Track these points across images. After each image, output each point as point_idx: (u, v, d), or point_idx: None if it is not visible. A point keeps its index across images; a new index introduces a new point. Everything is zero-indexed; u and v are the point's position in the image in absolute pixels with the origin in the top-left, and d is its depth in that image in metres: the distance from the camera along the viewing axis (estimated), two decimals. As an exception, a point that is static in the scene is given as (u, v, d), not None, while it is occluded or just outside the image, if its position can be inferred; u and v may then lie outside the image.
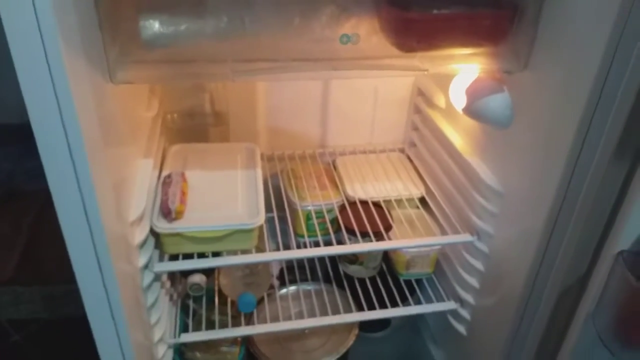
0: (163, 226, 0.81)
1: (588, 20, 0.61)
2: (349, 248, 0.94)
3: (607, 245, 0.68)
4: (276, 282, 1.15)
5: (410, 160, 1.18)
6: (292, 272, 1.17)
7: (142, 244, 0.79)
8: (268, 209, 0.91)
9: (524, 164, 0.77)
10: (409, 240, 0.96)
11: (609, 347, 0.66)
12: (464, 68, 0.78)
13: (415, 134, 1.17)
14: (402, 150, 1.21)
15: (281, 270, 1.20)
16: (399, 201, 1.07)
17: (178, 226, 0.82)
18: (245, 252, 0.87)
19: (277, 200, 1.04)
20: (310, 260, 1.16)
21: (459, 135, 0.98)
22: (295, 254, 0.93)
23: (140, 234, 0.77)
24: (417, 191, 1.09)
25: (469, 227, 0.93)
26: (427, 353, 1.18)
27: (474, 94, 0.83)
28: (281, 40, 0.69)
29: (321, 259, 1.16)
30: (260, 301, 1.03)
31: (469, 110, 0.85)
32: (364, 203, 1.04)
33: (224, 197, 0.89)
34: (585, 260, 0.72)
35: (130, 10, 0.66)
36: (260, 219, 0.84)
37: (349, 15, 0.68)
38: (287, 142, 1.15)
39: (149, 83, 0.93)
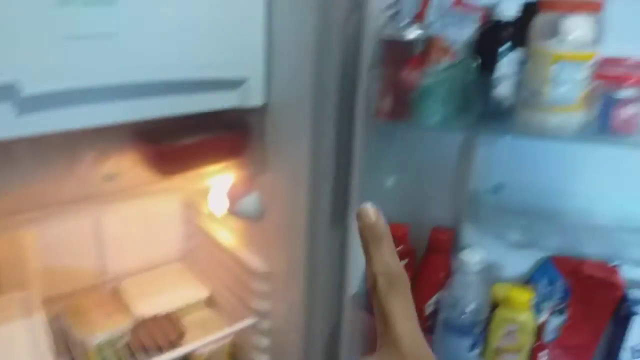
0: None
1: (291, 136, 0.84)
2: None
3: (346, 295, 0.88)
4: None
5: (189, 270, 1.28)
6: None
7: None
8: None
9: (279, 246, 0.95)
10: (196, 343, 1.01)
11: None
12: (220, 179, 0.95)
13: (191, 243, 1.28)
14: (181, 260, 1.31)
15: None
16: (189, 307, 1.15)
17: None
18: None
19: (66, 343, 1.02)
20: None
21: (229, 233, 1.13)
22: None
23: None
24: (201, 294, 1.18)
25: (251, 311, 1.06)
26: None
27: (231, 197, 1.00)
28: (47, 187, 0.76)
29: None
30: None
31: (230, 211, 1.01)
32: (153, 319, 1.08)
33: (5, 352, 0.85)
34: (335, 310, 0.90)
35: None
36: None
37: (109, 156, 0.79)
38: (66, 279, 1.14)
39: None
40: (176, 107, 0.77)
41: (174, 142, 0.85)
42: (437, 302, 0.78)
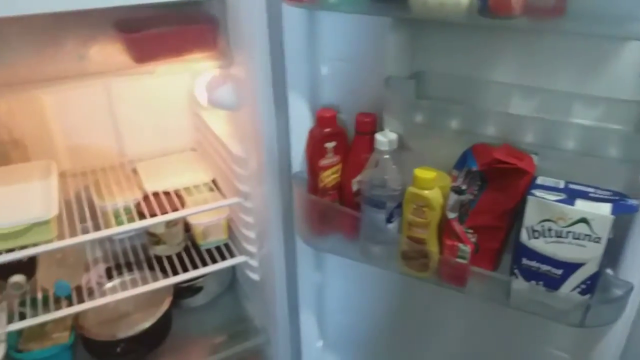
0: (-31, 229, 0.97)
1: (248, 32, 0.90)
2: (137, 224, 1.15)
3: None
4: (104, 278, 1.33)
5: (201, 157, 1.43)
6: (117, 268, 1.35)
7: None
8: (82, 219, 1.12)
9: (251, 136, 1.05)
10: (184, 211, 1.18)
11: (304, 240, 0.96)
12: (193, 69, 1.05)
13: (199, 134, 1.42)
14: (193, 149, 1.46)
15: (108, 269, 1.38)
16: (194, 188, 1.31)
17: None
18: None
19: (91, 209, 1.22)
20: (126, 255, 1.36)
21: (219, 123, 1.24)
22: (84, 238, 1.11)
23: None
24: (205, 179, 1.33)
25: (237, 192, 1.19)
26: (243, 312, 1.42)
27: (209, 89, 1.10)
28: (33, 65, 0.91)
29: (135, 254, 1.36)
30: (91, 294, 1.20)
31: (210, 102, 1.12)
32: (162, 193, 1.25)
33: (22, 203, 1.06)
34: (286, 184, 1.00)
35: None
36: (54, 211, 1.02)
37: (92, 43, 0.93)
38: (90, 157, 1.34)
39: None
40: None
41: (145, 31, 0.95)
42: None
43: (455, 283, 0.83)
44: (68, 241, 1.08)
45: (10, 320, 1.09)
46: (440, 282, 0.84)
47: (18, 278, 1.13)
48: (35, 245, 1.03)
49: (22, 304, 1.16)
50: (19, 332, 1.18)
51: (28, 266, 1.15)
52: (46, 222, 1.02)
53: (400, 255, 0.86)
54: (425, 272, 0.84)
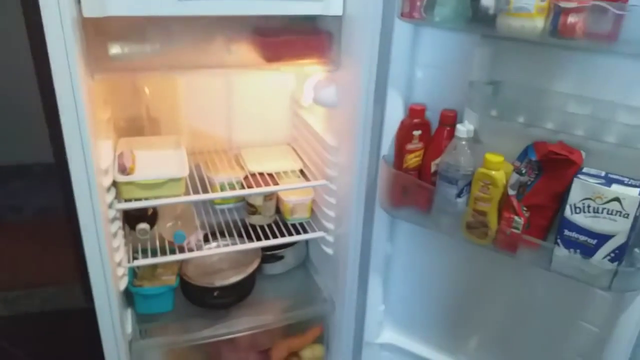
0: (121, 177, 1.25)
1: (360, 43, 1.16)
2: (246, 191, 1.41)
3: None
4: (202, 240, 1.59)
5: (295, 150, 1.69)
6: (214, 236, 1.61)
7: (108, 189, 1.22)
8: (195, 190, 1.38)
9: (346, 128, 1.30)
10: (281, 186, 1.44)
11: (385, 210, 1.18)
12: (307, 72, 1.31)
13: (295, 131, 1.69)
14: (288, 144, 1.73)
15: (205, 235, 1.64)
16: (284, 174, 1.56)
17: (131, 177, 1.26)
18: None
19: (203, 182, 1.49)
20: (227, 224, 1.62)
21: (317, 120, 1.50)
22: (209, 196, 1.38)
23: (107, 181, 1.21)
24: (297, 166, 1.59)
25: (325, 176, 1.44)
26: (313, 284, 1.65)
27: (316, 89, 1.36)
28: (191, 55, 1.20)
29: (235, 222, 1.62)
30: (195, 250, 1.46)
31: (315, 100, 1.38)
32: (260, 174, 1.51)
33: (160, 163, 1.34)
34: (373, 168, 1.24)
35: (103, 40, 1.13)
36: (186, 171, 1.29)
37: (235, 42, 1.21)
38: (205, 140, 1.63)
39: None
40: (278, 9, 1.14)
41: (276, 37, 1.23)
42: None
43: (508, 249, 1.03)
44: (193, 197, 1.35)
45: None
46: (496, 248, 1.04)
47: (144, 225, 1.41)
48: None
49: (144, 249, 1.44)
50: (135, 271, 1.45)
51: (152, 217, 1.43)
52: (179, 179, 1.30)
53: (464, 225, 1.07)
54: (485, 239, 1.05)
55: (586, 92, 0.95)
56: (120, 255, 1.30)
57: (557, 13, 0.85)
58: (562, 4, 0.83)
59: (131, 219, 1.42)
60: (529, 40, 0.89)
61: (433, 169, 1.11)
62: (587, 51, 0.90)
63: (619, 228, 0.90)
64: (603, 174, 0.94)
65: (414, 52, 1.11)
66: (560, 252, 0.96)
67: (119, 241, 1.29)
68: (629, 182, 0.90)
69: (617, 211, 0.89)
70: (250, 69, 1.26)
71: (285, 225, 1.56)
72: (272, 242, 1.47)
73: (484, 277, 1.21)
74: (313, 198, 1.56)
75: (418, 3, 0.96)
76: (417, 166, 1.15)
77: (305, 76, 1.48)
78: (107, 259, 1.17)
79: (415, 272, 1.35)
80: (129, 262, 1.35)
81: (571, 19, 0.84)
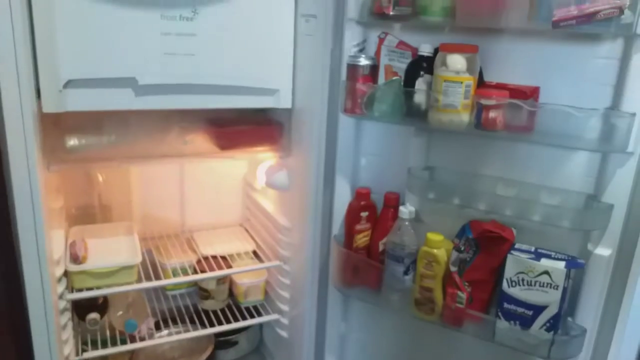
0: (74, 267, 1.24)
1: (308, 133, 1.25)
2: (198, 276, 1.42)
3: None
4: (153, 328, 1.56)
5: (247, 231, 1.72)
6: (166, 322, 1.59)
7: (59, 279, 1.21)
8: (147, 277, 1.38)
9: (298, 210, 1.36)
10: (234, 269, 1.47)
11: (338, 289, 1.23)
12: (260, 158, 1.39)
13: (248, 212, 1.74)
14: (241, 225, 1.76)
15: (157, 322, 1.61)
16: (237, 256, 1.59)
17: (84, 266, 1.25)
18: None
19: (153, 267, 1.49)
20: (179, 310, 1.60)
21: (269, 202, 1.56)
22: (162, 282, 1.38)
23: (59, 271, 1.20)
24: (250, 247, 1.62)
25: (278, 257, 1.48)
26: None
27: (268, 174, 1.44)
28: (147, 145, 1.25)
29: (187, 308, 1.60)
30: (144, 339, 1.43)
31: (267, 184, 1.45)
32: (213, 257, 1.53)
33: (112, 251, 1.35)
34: (325, 248, 1.30)
35: (60, 133, 1.17)
36: (138, 258, 1.30)
37: (188, 131, 1.28)
38: (157, 225, 1.64)
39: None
40: (233, 103, 1.23)
41: (230, 127, 1.31)
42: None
43: (455, 324, 1.09)
44: (145, 284, 1.35)
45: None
46: (443, 323, 1.10)
47: (94, 315, 1.38)
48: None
49: (93, 340, 1.40)
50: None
51: (102, 306, 1.41)
52: (132, 266, 1.30)
53: (413, 302, 1.13)
54: (432, 315, 1.10)
55: (511, 176, 1.06)
56: (69, 348, 1.26)
57: (479, 109, 0.97)
58: (483, 102, 0.95)
59: (81, 309, 1.39)
60: (458, 131, 1.01)
61: (381, 248, 1.18)
62: (508, 140, 1.02)
63: (551, 299, 0.98)
64: (533, 249, 1.03)
65: (357, 141, 1.21)
66: (502, 324, 1.03)
67: (68, 333, 1.26)
68: (556, 256, 1.00)
69: (547, 283, 0.97)
70: (205, 157, 1.32)
71: (239, 308, 1.56)
72: (226, 327, 1.47)
73: (435, 353, 1.25)
74: (267, 279, 1.58)
75: (359, 100, 1.07)
76: (366, 245, 1.22)
77: (257, 161, 1.55)
78: (56, 354, 1.13)
79: (369, 350, 1.37)
80: (77, 354, 1.31)
81: (492, 114, 0.96)
